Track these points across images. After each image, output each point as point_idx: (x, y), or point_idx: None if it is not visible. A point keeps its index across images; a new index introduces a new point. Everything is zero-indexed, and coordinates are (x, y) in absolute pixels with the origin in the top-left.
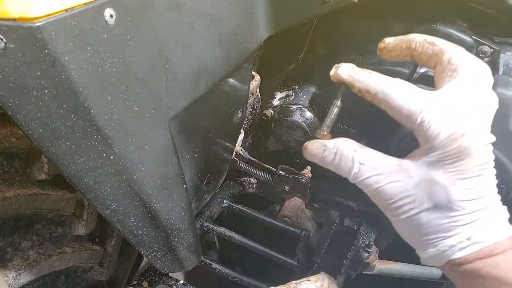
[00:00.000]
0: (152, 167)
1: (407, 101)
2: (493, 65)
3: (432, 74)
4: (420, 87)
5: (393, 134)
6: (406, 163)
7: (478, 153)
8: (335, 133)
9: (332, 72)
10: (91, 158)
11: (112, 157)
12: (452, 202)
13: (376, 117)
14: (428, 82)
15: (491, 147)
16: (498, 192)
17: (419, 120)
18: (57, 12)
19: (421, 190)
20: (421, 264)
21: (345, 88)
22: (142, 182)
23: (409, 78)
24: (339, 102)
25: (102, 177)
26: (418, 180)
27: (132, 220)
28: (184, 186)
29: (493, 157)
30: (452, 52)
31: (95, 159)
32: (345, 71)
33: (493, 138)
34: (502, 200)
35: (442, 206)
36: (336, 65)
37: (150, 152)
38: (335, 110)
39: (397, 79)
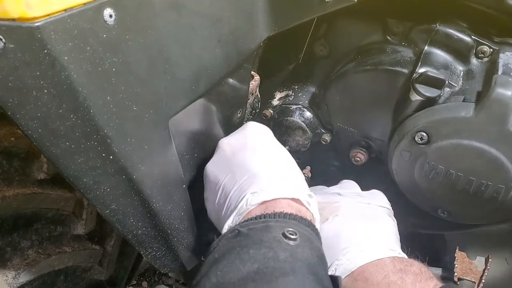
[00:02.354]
0: (151, 167)
1: None
2: (493, 65)
3: (432, 74)
4: (419, 87)
5: (392, 133)
6: None
7: None
8: (336, 133)
9: None
10: (90, 158)
11: (111, 157)
12: None
13: (376, 117)
14: (427, 82)
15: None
16: (497, 192)
17: None
18: (56, 12)
19: None
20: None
21: None
22: (142, 182)
23: (408, 77)
24: None
25: (102, 177)
26: None
27: (132, 220)
28: (184, 186)
29: None
30: None
31: (95, 159)
32: None
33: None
34: (502, 200)
35: None
36: None
37: (149, 152)
38: None
39: None
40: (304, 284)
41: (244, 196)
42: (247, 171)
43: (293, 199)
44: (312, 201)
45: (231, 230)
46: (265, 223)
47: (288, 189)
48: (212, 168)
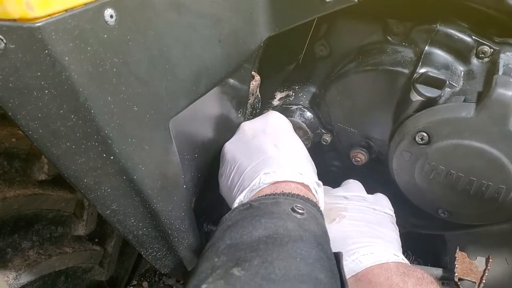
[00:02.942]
0: (152, 168)
1: None
2: (493, 65)
3: (433, 75)
4: (420, 87)
5: (392, 134)
6: None
7: None
8: (336, 133)
9: None
10: (91, 158)
11: (112, 157)
12: None
13: (376, 117)
14: (427, 82)
15: None
16: (498, 192)
17: None
18: (57, 13)
19: None
20: (421, 264)
21: None
22: (142, 183)
23: (409, 78)
24: None
25: (102, 178)
26: None
27: (132, 220)
28: (184, 186)
29: None
30: None
31: (95, 160)
32: None
33: None
34: (502, 200)
35: None
36: None
37: (150, 152)
38: None
39: None
40: (311, 250)
41: (258, 176)
42: (263, 153)
43: (302, 184)
44: (319, 190)
45: (243, 204)
46: (275, 199)
47: (298, 174)
48: (230, 146)
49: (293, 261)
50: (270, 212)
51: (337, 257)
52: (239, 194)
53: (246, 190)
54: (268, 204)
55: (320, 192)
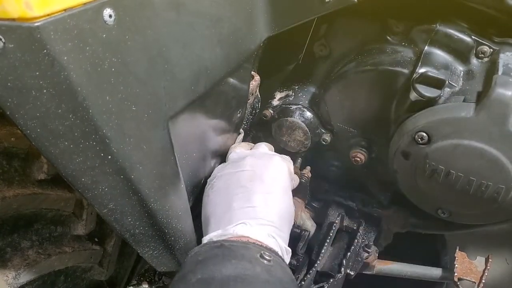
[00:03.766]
0: (149, 167)
1: None
2: (493, 65)
3: (432, 75)
4: (420, 87)
5: (392, 133)
6: None
7: None
8: (336, 133)
9: None
10: (89, 157)
11: (110, 156)
12: None
13: (376, 117)
14: (427, 82)
15: None
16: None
17: None
18: (56, 12)
19: None
20: (421, 264)
21: None
22: (140, 182)
23: (408, 78)
24: None
25: (100, 177)
26: None
27: (129, 219)
28: (182, 186)
29: None
30: None
31: (93, 159)
32: None
33: None
34: (502, 200)
35: None
36: None
37: (148, 152)
38: None
39: None
40: None
41: (235, 224)
42: (250, 202)
43: (272, 248)
44: (287, 257)
45: (213, 242)
46: (245, 245)
47: (272, 239)
48: (227, 175)
49: None
50: (240, 255)
51: None
52: (212, 232)
53: (220, 231)
54: (238, 247)
55: (287, 259)
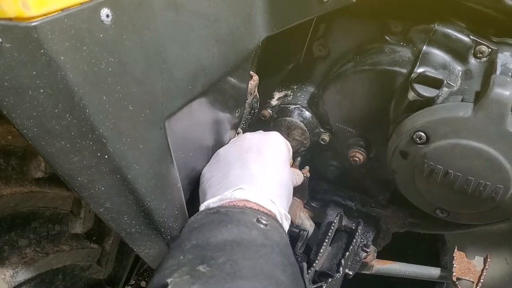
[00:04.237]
0: (146, 167)
1: None
2: (491, 65)
3: (430, 74)
4: (418, 87)
5: (390, 133)
6: None
7: None
8: (334, 133)
9: None
10: (85, 157)
11: (106, 156)
12: None
13: (374, 117)
14: (425, 82)
15: None
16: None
17: None
18: (53, 12)
19: None
20: (420, 264)
21: None
22: (136, 181)
23: (407, 77)
24: None
25: (96, 176)
26: None
27: (126, 218)
28: (178, 185)
29: None
30: None
31: (90, 158)
32: None
33: None
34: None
35: None
36: None
37: (145, 152)
38: None
39: None
40: (274, 255)
41: (233, 189)
42: (247, 169)
43: (269, 211)
44: (286, 223)
45: (210, 208)
46: (242, 210)
47: (269, 201)
48: (225, 151)
49: (256, 262)
50: (236, 219)
51: (301, 268)
52: (210, 198)
53: (217, 197)
54: (235, 212)
55: (286, 225)
